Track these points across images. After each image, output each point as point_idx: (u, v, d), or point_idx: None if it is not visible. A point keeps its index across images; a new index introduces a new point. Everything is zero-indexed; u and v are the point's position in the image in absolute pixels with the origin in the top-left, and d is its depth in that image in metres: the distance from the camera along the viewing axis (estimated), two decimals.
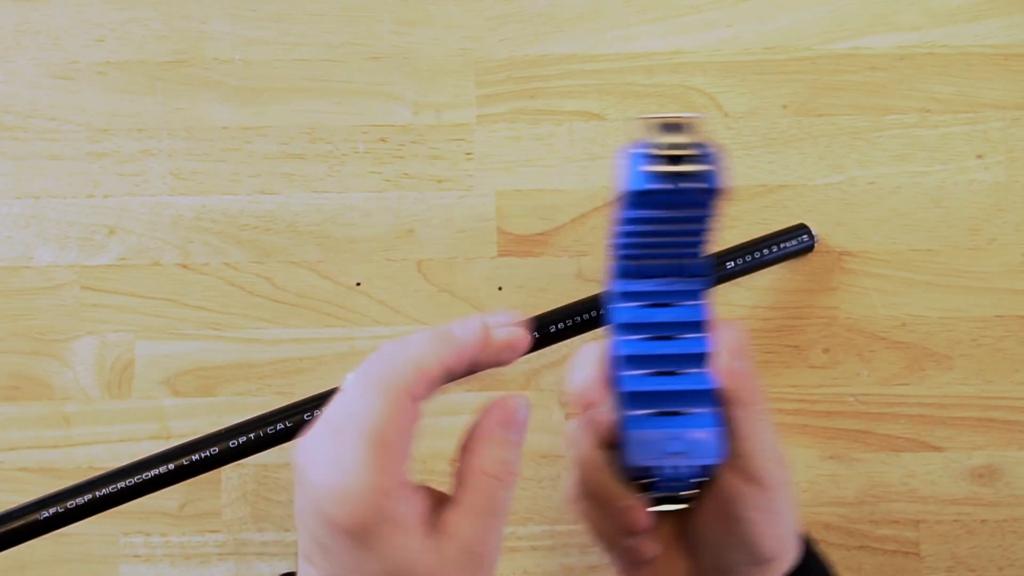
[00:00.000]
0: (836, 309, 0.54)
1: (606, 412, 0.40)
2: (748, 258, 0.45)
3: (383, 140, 0.55)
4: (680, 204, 0.37)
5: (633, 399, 0.40)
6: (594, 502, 0.41)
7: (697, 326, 0.40)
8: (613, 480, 0.40)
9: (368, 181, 0.55)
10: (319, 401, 0.39)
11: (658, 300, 0.40)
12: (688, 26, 0.55)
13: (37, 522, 0.36)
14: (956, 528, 0.53)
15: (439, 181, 0.54)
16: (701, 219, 0.38)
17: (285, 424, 0.39)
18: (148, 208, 0.54)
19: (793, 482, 0.42)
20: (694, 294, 0.40)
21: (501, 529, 0.36)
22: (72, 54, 0.55)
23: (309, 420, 0.38)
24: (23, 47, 0.55)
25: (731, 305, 0.54)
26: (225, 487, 0.53)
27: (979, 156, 0.54)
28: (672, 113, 0.36)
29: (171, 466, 0.37)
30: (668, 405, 0.39)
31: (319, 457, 0.32)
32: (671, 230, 0.38)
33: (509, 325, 0.36)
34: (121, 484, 0.37)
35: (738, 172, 0.55)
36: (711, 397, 0.40)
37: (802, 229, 0.47)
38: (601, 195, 0.54)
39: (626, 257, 0.40)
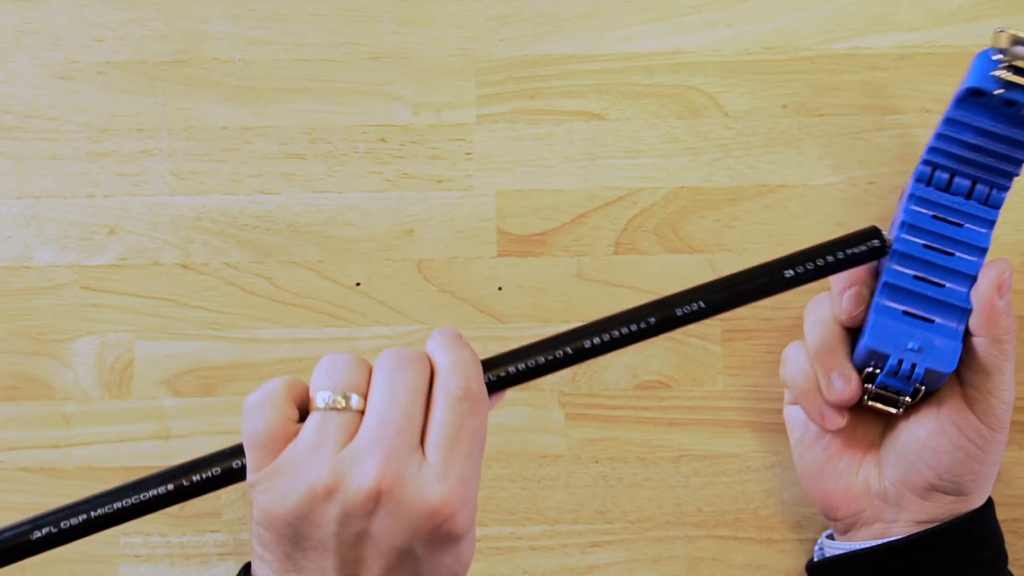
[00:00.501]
0: None
1: (862, 294, 0.44)
2: (810, 266, 0.42)
3: (383, 140, 0.55)
4: (1012, 121, 0.39)
5: (892, 291, 0.43)
6: (816, 360, 0.44)
7: (976, 250, 0.43)
8: (843, 348, 0.44)
9: (368, 181, 0.55)
10: None
11: (950, 216, 0.43)
12: (688, 26, 0.55)
13: (29, 543, 0.36)
14: None
15: (439, 181, 0.54)
16: (1020, 145, 0.40)
17: None
18: (148, 208, 0.54)
19: (1007, 435, 0.43)
20: (985, 223, 0.43)
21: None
22: (72, 54, 0.55)
23: None
24: (23, 47, 0.55)
25: None
26: (225, 487, 0.53)
27: None
28: None
29: (170, 487, 0.37)
30: (921, 308, 0.43)
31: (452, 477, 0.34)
32: (992, 149, 0.41)
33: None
34: (117, 505, 0.36)
35: (738, 172, 0.55)
36: (963, 316, 0.42)
37: (872, 233, 0.43)
38: (601, 195, 0.54)
39: (940, 166, 0.43)
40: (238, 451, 0.37)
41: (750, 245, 0.54)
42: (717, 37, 0.55)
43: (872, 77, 0.55)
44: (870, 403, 0.45)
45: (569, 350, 0.39)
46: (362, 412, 0.35)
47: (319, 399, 0.35)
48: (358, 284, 0.54)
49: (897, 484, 0.44)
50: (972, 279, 0.43)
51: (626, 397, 0.53)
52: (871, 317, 0.43)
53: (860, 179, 0.54)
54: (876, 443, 0.46)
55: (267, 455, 0.34)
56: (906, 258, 0.44)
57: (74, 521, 0.36)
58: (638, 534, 0.53)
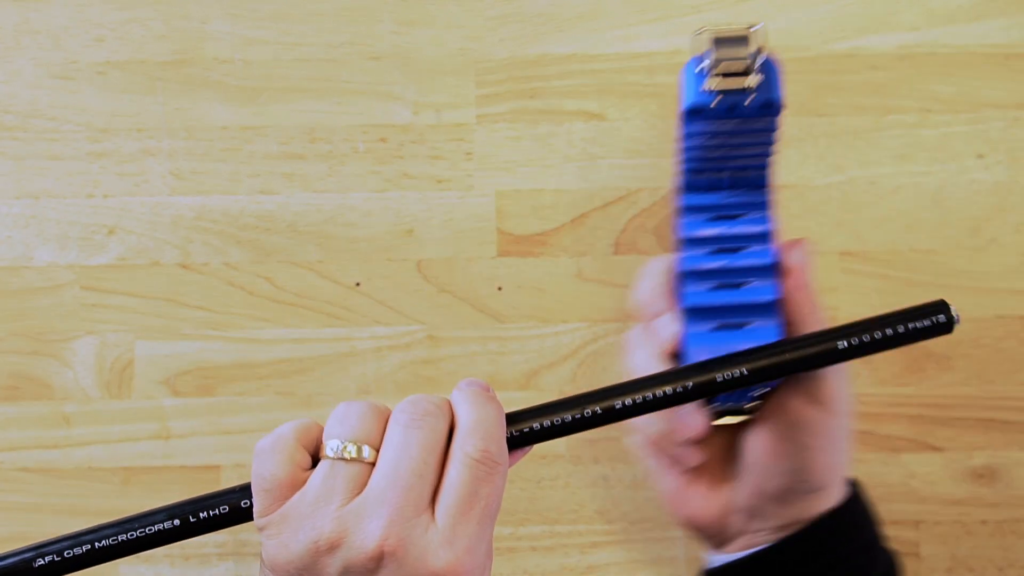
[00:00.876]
0: (836, 309, 0.54)
1: (670, 324, 0.40)
2: (866, 338, 0.38)
3: (383, 140, 0.55)
4: (739, 117, 0.37)
5: (695, 314, 0.40)
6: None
7: (762, 237, 0.40)
8: None
9: (368, 181, 0.55)
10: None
11: (723, 212, 0.41)
12: (688, 26, 0.55)
13: (31, 570, 0.36)
14: (956, 529, 0.53)
15: (439, 181, 0.54)
16: (762, 131, 0.38)
17: None
18: (148, 208, 0.54)
19: (851, 419, 0.41)
20: (759, 206, 0.41)
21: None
22: (72, 54, 0.55)
23: None
24: (23, 47, 0.55)
25: None
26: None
27: (980, 156, 0.54)
28: (727, 26, 0.37)
29: (176, 522, 0.36)
30: (731, 317, 0.40)
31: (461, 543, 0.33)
32: (733, 143, 0.38)
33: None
34: (122, 537, 0.36)
35: None
36: (775, 309, 0.40)
37: (938, 307, 0.38)
38: (601, 195, 0.54)
39: (691, 171, 0.40)
40: (247, 490, 0.36)
41: None
42: None
43: (872, 77, 0.55)
44: (715, 423, 0.43)
45: (599, 409, 0.38)
46: (373, 464, 0.34)
47: (329, 448, 0.34)
48: (358, 284, 0.54)
49: (753, 495, 0.42)
50: (772, 267, 0.40)
51: None
52: (686, 348, 0.40)
53: (860, 179, 0.54)
54: (727, 457, 0.45)
55: (274, 501, 0.34)
56: (696, 275, 0.41)
57: (78, 551, 0.36)
58: (638, 534, 0.53)
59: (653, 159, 0.55)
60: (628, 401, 0.38)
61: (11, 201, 0.54)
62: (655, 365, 0.41)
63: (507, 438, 0.37)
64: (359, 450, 0.34)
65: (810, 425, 0.40)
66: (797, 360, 0.38)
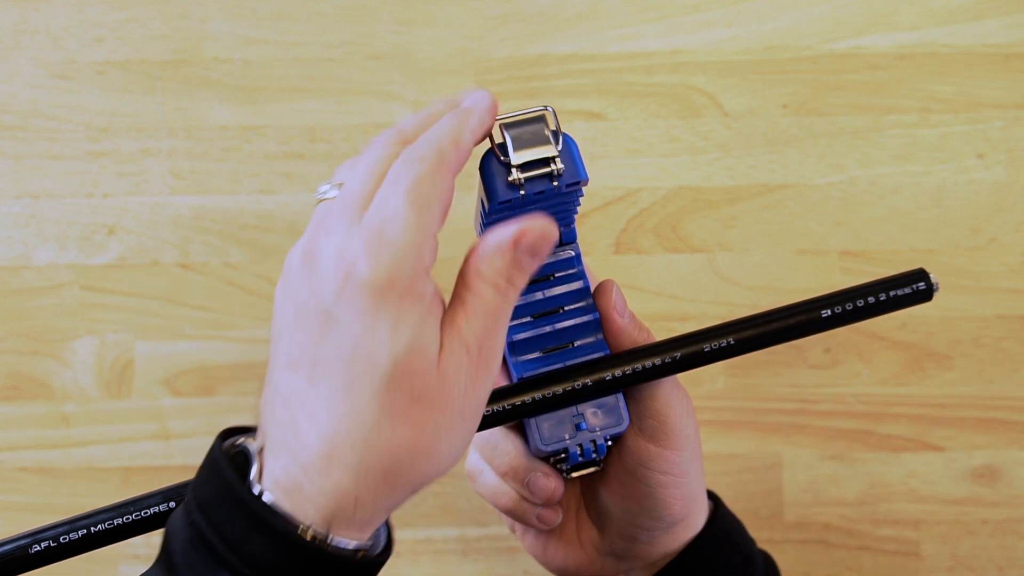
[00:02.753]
0: None
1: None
2: (848, 306, 0.39)
3: None
4: (546, 199, 0.37)
5: (520, 345, 0.40)
6: (506, 478, 0.41)
7: (580, 294, 0.40)
8: (522, 458, 0.40)
9: None
10: None
11: (538, 276, 0.40)
12: (688, 25, 0.55)
13: (27, 556, 0.35)
14: (956, 528, 0.53)
15: None
16: (565, 202, 0.38)
17: None
18: (148, 208, 0.54)
19: (700, 445, 0.41)
20: (570, 261, 0.41)
21: (502, 339, 0.34)
22: (71, 54, 0.55)
23: None
24: (23, 47, 0.55)
25: (731, 305, 0.54)
26: None
27: (979, 156, 0.54)
28: (519, 113, 0.36)
29: (172, 504, 0.36)
30: (554, 342, 0.40)
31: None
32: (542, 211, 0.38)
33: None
34: (118, 521, 0.36)
35: (738, 172, 0.55)
36: (595, 328, 0.40)
37: (918, 275, 0.39)
38: (601, 194, 0.54)
39: None
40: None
41: (750, 245, 0.54)
42: (717, 37, 0.55)
43: (872, 77, 0.55)
44: (570, 477, 0.41)
45: (588, 381, 0.38)
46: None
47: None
48: None
49: (617, 538, 0.42)
50: (596, 323, 0.40)
51: None
52: (526, 423, 0.39)
53: (861, 179, 0.54)
54: (586, 505, 0.44)
55: None
56: (523, 343, 0.40)
57: (73, 536, 0.36)
58: None
59: (653, 159, 0.55)
60: (619, 373, 0.38)
61: (11, 201, 0.54)
62: (510, 438, 0.40)
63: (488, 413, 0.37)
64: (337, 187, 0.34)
65: (655, 464, 0.40)
66: (783, 329, 0.39)
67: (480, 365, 0.33)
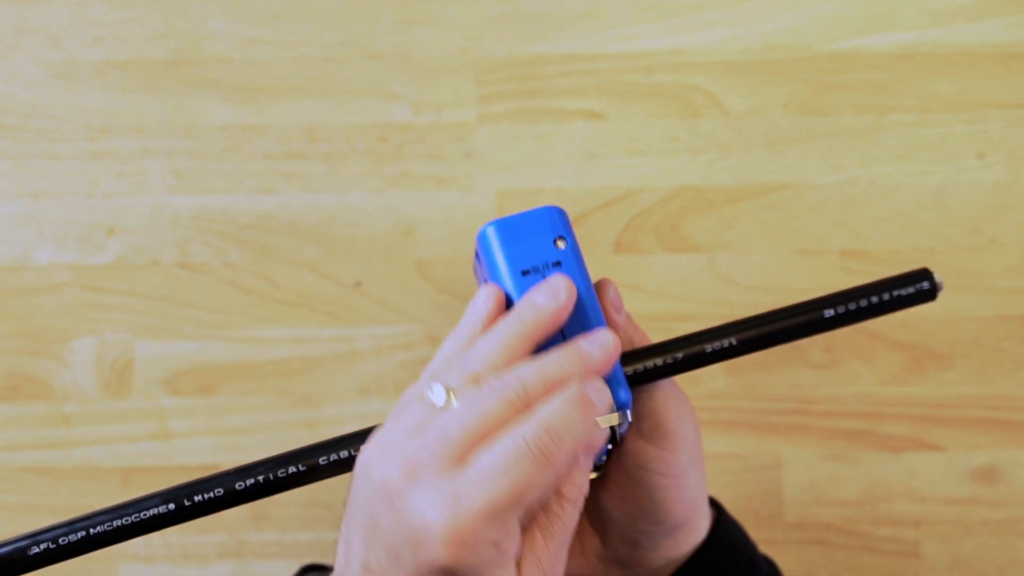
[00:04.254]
0: None
1: None
2: (852, 306, 0.38)
3: (383, 139, 0.55)
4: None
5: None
6: None
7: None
8: None
9: (368, 180, 0.54)
10: (334, 446, 0.37)
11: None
12: (688, 25, 0.55)
13: (26, 558, 0.35)
14: (957, 528, 0.53)
15: (439, 180, 0.54)
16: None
17: (297, 468, 0.37)
18: (147, 208, 0.54)
19: (700, 449, 0.40)
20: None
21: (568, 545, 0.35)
22: (71, 54, 0.55)
23: (324, 465, 0.36)
24: (22, 47, 0.55)
25: (732, 304, 0.54)
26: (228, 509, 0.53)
27: (980, 155, 0.54)
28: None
29: (171, 506, 0.36)
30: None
31: (433, 494, 0.31)
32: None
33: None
34: (117, 523, 0.36)
35: (738, 171, 0.55)
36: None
37: (921, 275, 0.39)
38: (601, 194, 0.54)
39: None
40: (243, 472, 0.36)
41: (750, 245, 0.54)
42: (717, 37, 0.55)
43: (872, 76, 0.55)
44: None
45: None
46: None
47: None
48: (358, 284, 0.54)
49: (620, 544, 0.41)
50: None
51: None
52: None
53: (861, 178, 0.54)
54: (588, 513, 0.43)
55: None
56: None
57: (72, 538, 0.35)
58: None
59: (653, 158, 0.55)
60: (629, 372, 0.38)
61: (11, 201, 0.54)
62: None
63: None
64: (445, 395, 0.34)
65: (654, 465, 0.39)
66: (785, 329, 0.38)
67: None
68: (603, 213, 0.54)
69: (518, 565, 0.33)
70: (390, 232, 0.54)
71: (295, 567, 0.52)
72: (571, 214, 0.54)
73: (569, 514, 0.35)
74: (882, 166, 0.54)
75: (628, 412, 0.37)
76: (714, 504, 0.43)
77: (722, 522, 0.42)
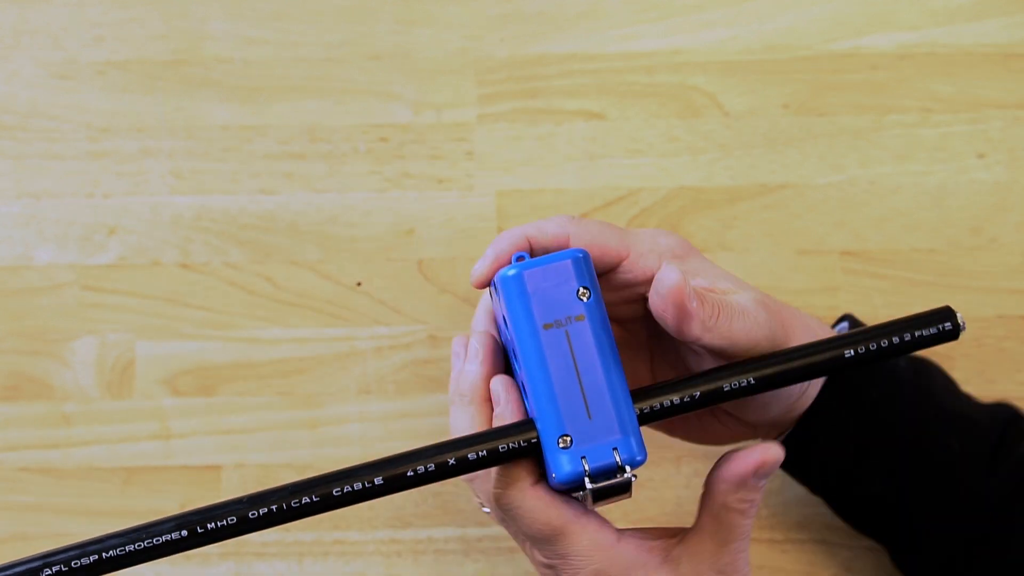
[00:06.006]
0: (837, 309, 0.54)
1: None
2: (872, 346, 0.38)
3: (383, 140, 0.55)
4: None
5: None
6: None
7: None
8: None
9: (368, 181, 0.55)
10: (348, 477, 0.37)
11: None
12: (689, 25, 0.55)
13: None
14: None
15: (439, 181, 0.54)
16: None
17: (311, 498, 0.37)
18: (148, 208, 0.54)
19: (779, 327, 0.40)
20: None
21: (747, 551, 0.40)
22: (71, 54, 0.55)
23: (338, 496, 0.37)
24: (22, 47, 0.55)
25: None
26: (225, 487, 0.53)
27: (980, 155, 0.54)
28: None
29: (184, 532, 0.36)
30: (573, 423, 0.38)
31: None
32: None
33: None
34: (130, 547, 0.36)
35: (738, 172, 0.55)
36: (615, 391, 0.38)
37: (944, 314, 0.39)
38: (601, 194, 0.54)
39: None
40: (257, 500, 0.37)
41: (750, 245, 0.54)
42: (717, 36, 0.55)
43: (872, 77, 0.55)
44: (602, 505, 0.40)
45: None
46: None
47: None
48: (358, 284, 0.54)
49: (745, 425, 0.44)
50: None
51: None
52: (545, 457, 0.38)
53: (861, 179, 0.54)
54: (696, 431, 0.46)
55: None
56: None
57: (84, 561, 0.36)
58: None
59: (653, 159, 0.55)
60: (646, 408, 0.38)
61: (11, 201, 0.54)
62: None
63: None
64: None
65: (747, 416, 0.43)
66: (804, 368, 0.38)
67: None
68: (603, 213, 0.54)
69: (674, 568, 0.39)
70: (391, 232, 0.54)
71: (296, 567, 0.52)
72: (571, 215, 0.54)
73: (740, 524, 0.39)
74: (882, 166, 0.54)
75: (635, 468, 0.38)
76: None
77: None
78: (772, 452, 0.38)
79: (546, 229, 0.40)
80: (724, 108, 0.55)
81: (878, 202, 0.54)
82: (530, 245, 0.39)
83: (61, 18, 0.55)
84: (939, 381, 0.46)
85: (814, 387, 0.43)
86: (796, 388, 0.41)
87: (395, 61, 0.55)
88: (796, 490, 0.53)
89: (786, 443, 0.43)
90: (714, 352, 0.38)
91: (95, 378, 0.53)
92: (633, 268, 0.40)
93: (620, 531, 0.40)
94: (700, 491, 0.52)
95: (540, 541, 0.38)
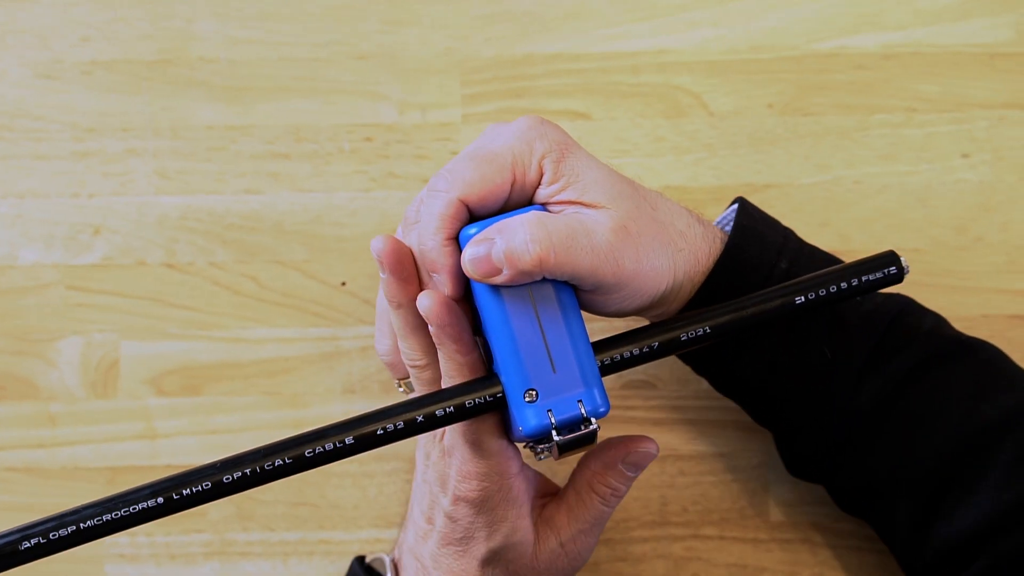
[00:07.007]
0: None
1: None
2: (822, 292, 0.40)
3: (369, 139, 0.55)
4: None
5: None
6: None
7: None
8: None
9: (354, 180, 0.55)
10: (319, 437, 0.38)
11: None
12: (674, 25, 0.55)
13: (17, 552, 0.36)
14: None
15: (425, 180, 0.54)
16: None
17: (284, 460, 0.38)
18: (133, 208, 0.54)
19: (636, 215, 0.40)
20: None
21: (597, 538, 0.44)
22: (58, 54, 0.55)
23: (310, 456, 0.37)
24: (8, 46, 0.55)
25: None
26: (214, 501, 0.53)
27: (965, 155, 0.55)
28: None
29: (160, 499, 0.37)
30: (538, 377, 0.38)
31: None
32: None
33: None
34: (107, 516, 0.36)
35: (723, 171, 0.55)
36: (574, 343, 0.38)
37: (888, 259, 0.41)
38: None
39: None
40: (228, 465, 0.37)
41: None
42: (703, 36, 0.55)
43: (858, 76, 0.55)
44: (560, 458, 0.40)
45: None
46: None
47: None
48: (344, 284, 0.54)
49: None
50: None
51: (612, 396, 0.53)
52: (511, 411, 0.38)
53: (846, 178, 0.55)
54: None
55: None
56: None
57: (63, 532, 0.36)
58: (623, 533, 0.53)
59: (639, 159, 0.55)
60: (607, 360, 0.39)
61: None
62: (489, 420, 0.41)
63: None
64: None
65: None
66: (757, 315, 0.40)
67: (573, 558, 0.43)
68: None
69: (539, 535, 0.43)
70: (376, 232, 0.54)
71: (281, 567, 0.52)
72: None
73: (596, 506, 0.42)
74: (867, 166, 0.54)
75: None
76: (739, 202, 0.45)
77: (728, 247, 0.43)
78: (644, 446, 0.42)
79: (441, 193, 0.39)
80: (709, 108, 0.55)
81: (863, 202, 0.54)
82: (466, 207, 0.39)
83: (47, 18, 0.55)
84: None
85: (689, 285, 0.43)
86: (653, 288, 0.40)
87: (381, 61, 0.55)
88: (781, 490, 0.53)
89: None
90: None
91: (80, 378, 0.53)
92: (525, 190, 0.39)
93: (526, 466, 0.43)
94: (685, 490, 0.53)
95: (471, 477, 0.40)
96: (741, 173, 0.54)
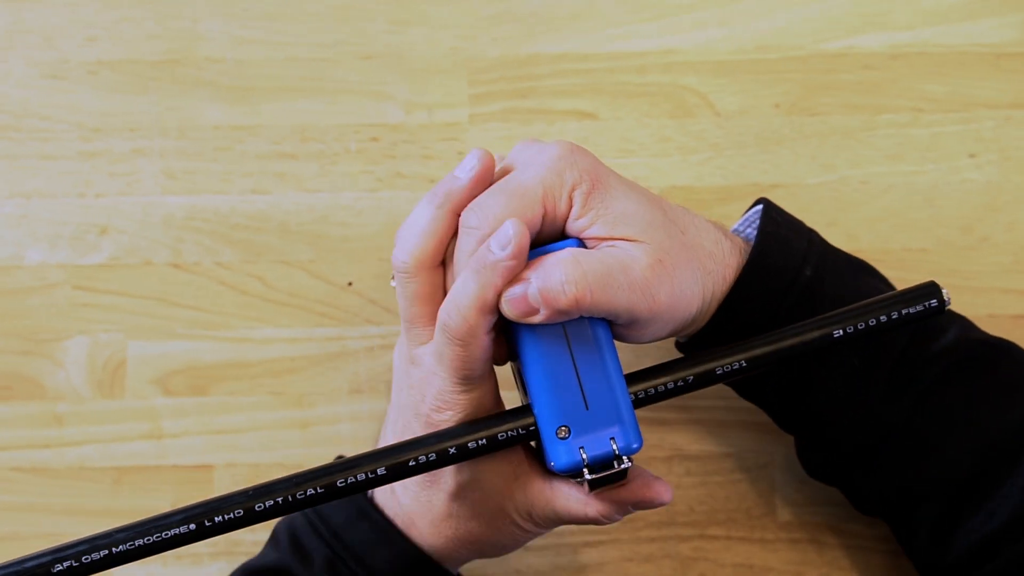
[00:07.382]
0: None
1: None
2: (861, 326, 0.39)
3: (375, 139, 0.55)
4: None
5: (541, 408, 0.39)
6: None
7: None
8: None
9: (360, 180, 0.55)
10: (352, 467, 0.38)
11: None
12: (681, 25, 0.55)
13: (50, 574, 0.36)
14: None
15: (431, 180, 0.54)
16: None
17: (316, 489, 0.38)
18: (140, 208, 0.54)
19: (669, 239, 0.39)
20: None
21: (531, 537, 0.44)
22: (64, 54, 0.55)
23: (342, 486, 0.38)
24: (15, 46, 0.55)
25: None
26: (217, 487, 0.53)
27: (971, 155, 0.54)
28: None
29: (192, 526, 0.37)
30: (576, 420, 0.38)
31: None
32: None
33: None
34: (139, 542, 0.37)
35: (730, 171, 0.55)
36: (606, 383, 0.38)
37: (929, 290, 0.40)
38: None
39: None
40: (262, 492, 0.37)
41: None
42: (710, 36, 0.55)
43: (865, 76, 0.55)
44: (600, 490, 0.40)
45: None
46: None
47: None
48: (350, 283, 0.54)
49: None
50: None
51: None
52: (544, 445, 0.38)
53: (853, 178, 0.55)
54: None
55: None
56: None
57: (95, 556, 0.36)
58: (630, 534, 0.53)
59: (645, 159, 0.55)
60: (637, 395, 0.39)
61: (3, 201, 0.54)
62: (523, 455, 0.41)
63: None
64: None
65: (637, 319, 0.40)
66: (794, 346, 0.39)
67: (542, 528, 0.42)
68: None
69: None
70: (382, 232, 0.54)
71: None
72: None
73: (584, 516, 0.41)
74: (874, 166, 0.54)
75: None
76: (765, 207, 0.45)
77: (748, 268, 0.42)
78: (659, 496, 0.40)
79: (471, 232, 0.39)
80: (716, 108, 0.55)
81: (870, 202, 0.54)
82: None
83: (54, 18, 0.55)
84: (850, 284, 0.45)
85: (715, 303, 0.42)
86: (685, 314, 0.40)
87: (387, 61, 0.55)
88: (788, 490, 0.53)
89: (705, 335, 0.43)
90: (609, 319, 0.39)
91: (87, 378, 0.53)
92: (556, 222, 0.39)
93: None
94: (692, 490, 0.53)
95: (446, 408, 0.40)
96: (747, 173, 0.54)
